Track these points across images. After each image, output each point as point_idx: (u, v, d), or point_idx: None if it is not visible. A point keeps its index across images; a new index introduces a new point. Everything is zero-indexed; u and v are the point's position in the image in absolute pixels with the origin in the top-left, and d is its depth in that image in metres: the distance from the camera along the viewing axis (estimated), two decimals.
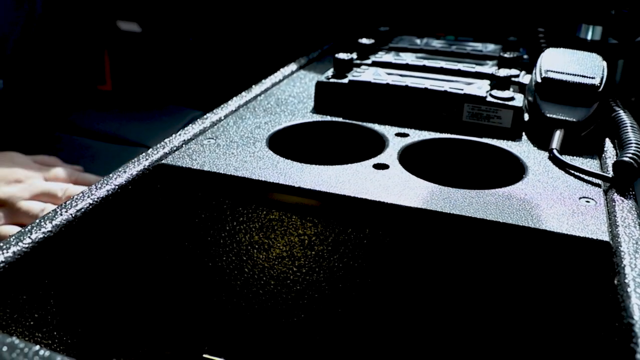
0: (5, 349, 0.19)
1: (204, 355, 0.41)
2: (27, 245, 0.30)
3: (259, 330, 0.40)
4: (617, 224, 0.33)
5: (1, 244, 0.30)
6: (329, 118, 0.47)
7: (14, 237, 0.30)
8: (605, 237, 0.32)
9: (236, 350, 0.41)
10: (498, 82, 0.47)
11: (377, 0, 0.85)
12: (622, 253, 0.30)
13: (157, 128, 0.79)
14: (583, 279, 0.32)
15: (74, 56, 1.14)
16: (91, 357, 0.35)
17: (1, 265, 0.29)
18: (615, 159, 0.38)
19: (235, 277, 0.40)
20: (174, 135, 0.43)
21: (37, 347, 0.19)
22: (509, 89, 0.48)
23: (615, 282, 0.29)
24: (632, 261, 0.30)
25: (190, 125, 0.45)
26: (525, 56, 0.59)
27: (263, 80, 0.56)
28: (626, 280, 0.28)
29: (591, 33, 0.57)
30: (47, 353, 0.19)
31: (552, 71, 0.46)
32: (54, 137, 0.80)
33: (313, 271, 0.38)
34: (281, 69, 0.60)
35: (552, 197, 0.36)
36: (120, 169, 0.37)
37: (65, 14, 1.14)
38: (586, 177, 0.39)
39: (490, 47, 0.62)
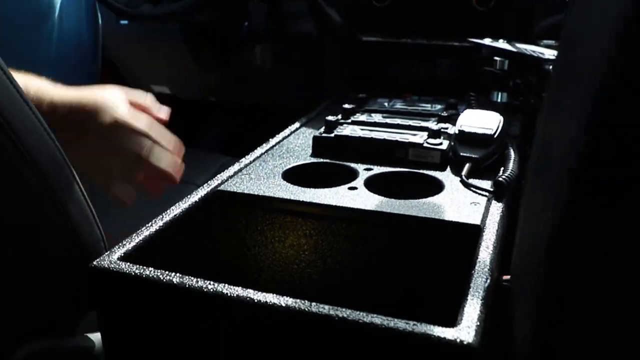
0: None
1: None
2: (141, 240, 0.54)
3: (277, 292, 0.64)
4: (487, 216, 0.57)
5: (125, 242, 0.53)
6: (321, 160, 0.72)
7: (133, 236, 0.53)
8: (478, 222, 0.56)
9: None
10: (432, 133, 0.72)
11: (362, 72, 1.11)
12: (484, 231, 0.54)
13: (196, 167, 1.02)
14: (469, 245, 0.55)
15: None
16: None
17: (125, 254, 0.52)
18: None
19: (262, 261, 0.64)
20: (222, 173, 0.67)
21: None
22: (440, 138, 0.72)
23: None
24: (487, 236, 0.53)
25: (231, 167, 0.69)
26: (461, 112, 0.84)
27: (277, 135, 0.81)
28: (480, 246, 0.52)
29: (500, 97, 0.82)
30: None
31: (465, 125, 0.70)
32: None
33: (312, 252, 0.61)
34: (289, 126, 0.85)
35: (455, 203, 0.60)
36: (193, 193, 0.62)
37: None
38: (479, 192, 0.63)
39: (437, 107, 0.87)
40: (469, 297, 0.44)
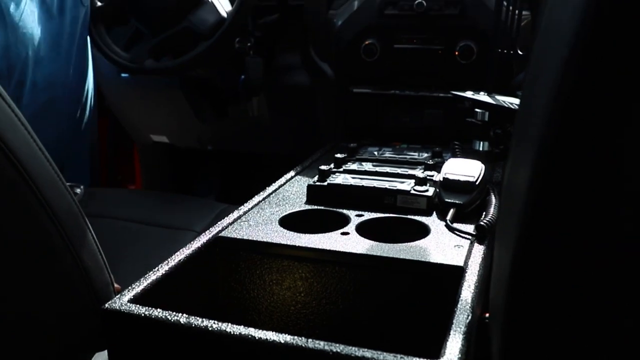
0: None
1: None
2: (150, 282, 0.58)
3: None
4: (470, 258, 0.61)
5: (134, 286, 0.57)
6: (315, 207, 0.77)
7: (142, 280, 0.58)
8: (461, 264, 0.60)
9: None
10: (419, 181, 0.77)
11: (353, 122, 1.17)
12: (466, 272, 0.59)
13: (194, 215, 1.07)
14: (452, 285, 0.60)
15: None
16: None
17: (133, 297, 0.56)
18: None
19: (261, 303, 0.68)
20: (222, 220, 0.72)
21: None
22: (426, 185, 0.77)
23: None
24: (469, 276, 0.58)
25: (231, 214, 0.74)
26: (446, 160, 0.89)
27: (273, 183, 0.86)
28: (463, 286, 0.56)
29: (482, 146, 0.88)
30: None
31: (449, 173, 0.75)
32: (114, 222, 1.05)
33: (307, 294, 0.65)
34: (284, 175, 0.90)
35: (440, 246, 0.64)
36: (196, 240, 0.66)
37: None
38: (462, 235, 0.67)
39: (424, 155, 0.92)
40: (452, 332, 0.48)
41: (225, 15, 1.12)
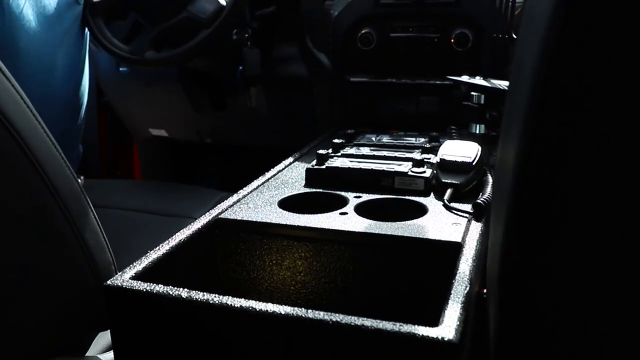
0: None
1: None
2: (150, 262, 0.58)
3: None
4: (467, 234, 0.62)
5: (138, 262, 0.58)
6: (314, 190, 0.77)
7: (143, 259, 0.58)
8: (459, 240, 0.61)
9: None
10: (416, 163, 0.78)
11: (350, 111, 1.18)
12: (464, 247, 0.59)
13: (194, 202, 1.07)
14: (450, 261, 0.60)
15: None
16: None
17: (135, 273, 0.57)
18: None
19: (260, 284, 0.68)
20: (222, 203, 0.72)
21: None
22: (423, 167, 0.78)
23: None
24: (467, 251, 0.59)
25: (230, 197, 0.75)
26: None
27: (272, 169, 0.87)
28: (460, 259, 0.57)
29: (478, 129, 0.89)
30: None
31: (446, 154, 0.76)
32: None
33: (307, 274, 0.66)
34: (283, 161, 0.91)
35: (438, 224, 0.65)
36: (197, 221, 0.67)
37: None
38: (460, 214, 0.68)
39: (421, 140, 0.93)
40: (450, 302, 0.49)
41: (224, 3, 1.13)
